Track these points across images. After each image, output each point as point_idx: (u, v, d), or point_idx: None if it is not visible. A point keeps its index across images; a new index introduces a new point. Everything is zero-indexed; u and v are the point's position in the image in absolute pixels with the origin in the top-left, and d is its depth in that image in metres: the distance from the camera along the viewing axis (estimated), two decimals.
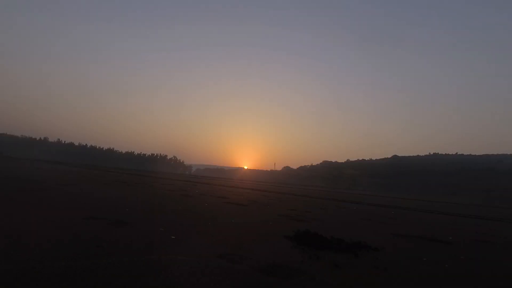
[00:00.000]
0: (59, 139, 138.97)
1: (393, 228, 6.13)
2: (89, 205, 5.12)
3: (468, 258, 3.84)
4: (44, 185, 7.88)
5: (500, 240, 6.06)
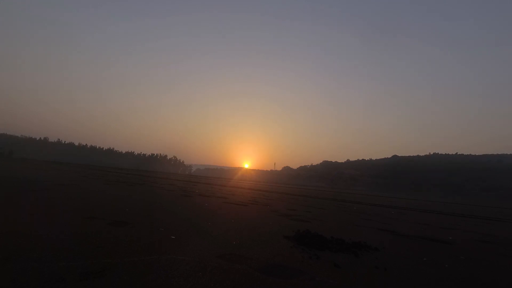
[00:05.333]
0: (59, 139, 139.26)
1: (393, 228, 6.13)
2: (89, 205, 5.12)
3: (468, 258, 3.84)
4: (43, 185, 7.88)
5: (500, 240, 6.06)
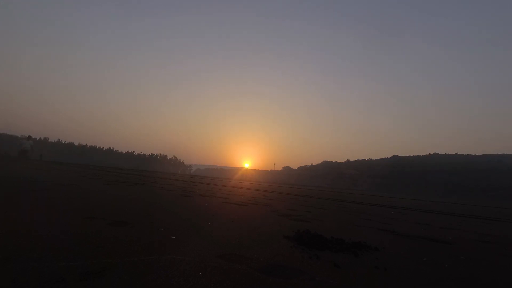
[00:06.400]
0: (59, 139, 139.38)
1: (393, 228, 6.12)
2: (89, 205, 5.11)
3: (468, 258, 3.83)
4: (43, 185, 7.88)
5: (500, 240, 6.05)
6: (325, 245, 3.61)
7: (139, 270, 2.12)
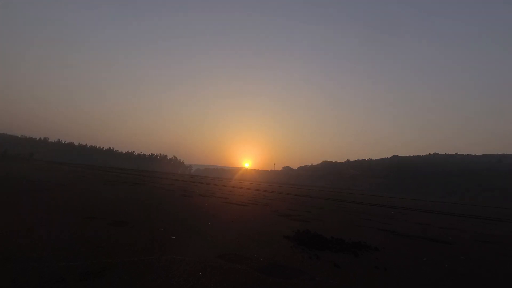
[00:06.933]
0: (59, 139, 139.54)
1: (393, 228, 6.12)
2: (89, 205, 5.12)
3: (468, 258, 3.83)
4: (43, 185, 7.89)
5: (500, 240, 6.06)
6: (325, 245, 3.62)
7: (139, 270, 2.13)
